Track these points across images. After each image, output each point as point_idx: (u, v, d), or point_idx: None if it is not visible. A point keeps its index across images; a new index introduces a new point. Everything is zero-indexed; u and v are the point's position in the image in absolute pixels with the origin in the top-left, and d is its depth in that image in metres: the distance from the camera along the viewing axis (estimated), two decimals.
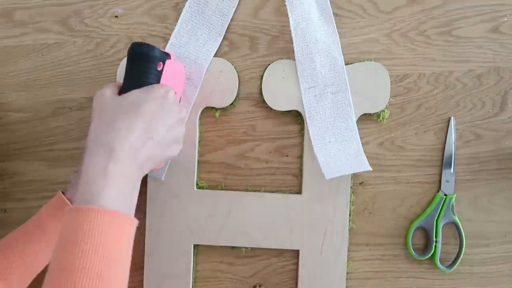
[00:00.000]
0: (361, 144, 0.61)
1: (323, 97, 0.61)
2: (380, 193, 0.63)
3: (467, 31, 0.62)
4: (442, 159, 0.63)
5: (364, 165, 0.60)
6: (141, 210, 0.62)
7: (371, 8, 0.62)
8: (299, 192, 0.63)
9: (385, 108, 0.62)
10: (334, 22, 0.62)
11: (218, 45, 0.62)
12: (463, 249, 0.62)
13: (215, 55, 0.62)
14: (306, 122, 0.61)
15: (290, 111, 0.63)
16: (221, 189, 0.63)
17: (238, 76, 0.62)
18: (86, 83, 0.63)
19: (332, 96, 0.61)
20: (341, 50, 0.62)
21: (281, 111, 0.63)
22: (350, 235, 0.63)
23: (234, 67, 0.62)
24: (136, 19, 0.63)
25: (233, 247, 0.64)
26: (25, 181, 0.64)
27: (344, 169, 0.59)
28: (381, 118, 0.62)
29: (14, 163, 0.64)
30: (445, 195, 0.62)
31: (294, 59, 0.62)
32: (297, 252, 0.63)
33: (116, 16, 0.63)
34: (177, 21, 0.62)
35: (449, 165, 0.62)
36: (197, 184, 0.63)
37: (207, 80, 0.62)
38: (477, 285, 0.63)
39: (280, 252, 0.64)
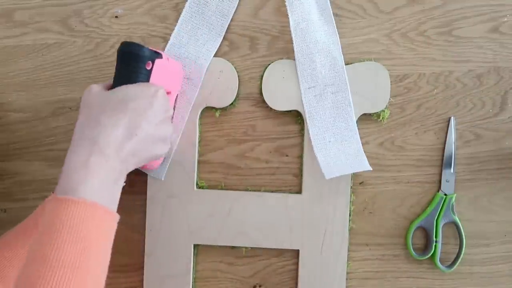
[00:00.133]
0: (361, 144, 0.61)
1: (323, 97, 0.61)
2: (380, 193, 0.63)
3: (467, 31, 0.62)
4: (442, 159, 0.63)
5: (364, 165, 0.60)
6: (141, 210, 0.62)
7: (371, 8, 0.62)
8: (299, 192, 0.63)
9: (385, 108, 0.62)
10: (334, 22, 0.62)
11: (218, 45, 0.62)
12: (463, 249, 0.62)
13: (215, 55, 0.62)
14: (306, 122, 0.61)
15: (290, 111, 0.63)
16: (221, 189, 0.63)
17: (238, 76, 0.62)
18: (86, 83, 0.63)
19: (332, 96, 0.61)
20: (341, 50, 0.62)
21: (281, 111, 0.63)
22: (350, 235, 0.63)
23: (234, 67, 0.62)
24: (136, 19, 0.63)
25: (233, 247, 0.64)
26: (25, 181, 0.64)
27: (344, 169, 0.59)
28: (381, 118, 0.62)
29: (14, 163, 0.64)
30: (445, 195, 0.62)
31: (294, 59, 0.62)
32: (297, 252, 0.63)
33: (116, 16, 0.63)
34: (177, 21, 0.62)
35: (449, 165, 0.62)
36: (197, 184, 0.63)
37: (207, 80, 0.62)
38: (477, 285, 0.63)
39: (280, 252, 0.64)
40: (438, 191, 0.63)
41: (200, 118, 0.63)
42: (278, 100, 0.62)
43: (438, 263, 0.62)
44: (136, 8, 0.63)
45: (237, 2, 0.62)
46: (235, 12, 0.62)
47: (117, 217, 0.48)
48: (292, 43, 0.61)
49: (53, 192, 0.57)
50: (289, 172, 0.63)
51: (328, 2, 0.62)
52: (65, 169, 0.47)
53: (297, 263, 0.63)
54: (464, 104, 0.63)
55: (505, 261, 0.63)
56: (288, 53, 0.63)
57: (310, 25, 0.61)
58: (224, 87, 0.62)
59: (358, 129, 0.61)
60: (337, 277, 0.62)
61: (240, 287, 0.64)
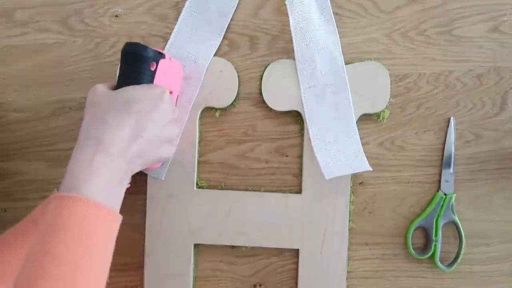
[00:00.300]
0: (361, 144, 0.61)
1: (323, 97, 0.61)
2: (380, 193, 0.63)
3: (467, 30, 0.62)
4: (442, 159, 0.63)
5: (364, 165, 0.60)
6: (141, 210, 0.62)
7: (371, 7, 0.62)
8: (299, 192, 0.63)
9: (385, 108, 0.62)
10: (334, 21, 0.62)
11: (218, 45, 0.62)
12: (463, 248, 0.62)
13: (215, 55, 0.62)
14: (306, 122, 0.61)
15: (290, 111, 0.62)
16: (221, 189, 0.63)
17: (238, 76, 0.62)
18: (86, 83, 0.63)
19: (332, 96, 0.61)
20: (341, 49, 0.62)
21: (281, 111, 0.63)
22: (350, 235, 0.63)
23: (234, 67, 0.62)
24: (136, 18, 0.63)
25: (233, 247, 0.64)
26: (25, 181, 0.64)
27: (344, 169, 0.60)
28: (381, 118, 0.62)
29: (14, 163, 0.64)
30: (445, 194, 0.62)
31: (294, 59, 0.62)
32: (297, 252, 0.63)
33: (116, 16, 0.63)
34: (177, 21, 0.62)
35: (448, 165, 0.62)
36: (197, 184, 0.63)
37: (207, 80, 0.62)
38: (477, 285, 0.63)
39: (280, 252, 0.64)
40: (438, 191, 0.63)
41: (200, 118, 0.63)
42: (278, 100, 0.62)
43: (438, 263, 0.62)
44: (136, 7, 0.63)
45: (237, 2, 0.62)
46: (235, 12, 0.62)
47: (120, 218, 0.48)
48: (292, 42, 0.61)
49: (56, 190, 0.58)
50: (289, 172, 0.63)
51: (328, 1, 0.62)
52: (69, 168, 0.47)
53: (297, 263, 0.63)
54: (464, 104, 0.63)
55: (505, 261, 0.63)
56: (288, 53, 0.63)
57: (310, 24, 0.61)
58: (224, 87, 0.62)
59: (358, 129, 0.61)
60: (337, 277, 0.62)
61: (240, 286, 0.64)
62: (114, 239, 0.47)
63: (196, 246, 0.63)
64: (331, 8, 0.62)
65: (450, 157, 0.62)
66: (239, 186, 0.63)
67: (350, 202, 0.62)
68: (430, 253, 0.62)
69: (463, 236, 0.62)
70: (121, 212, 0.49)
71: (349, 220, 0.62)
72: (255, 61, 0.63)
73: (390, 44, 0.62)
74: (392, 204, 0.63)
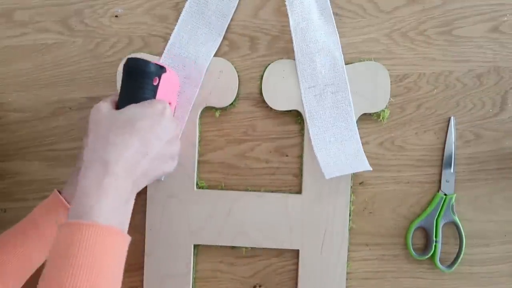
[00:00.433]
0: (361, 144, 0.61)
1: (323, 96, 0.61)
2: (380, 193, 0.63)
3: (467, 30, 0.62)
4: (442, 159, 0.63)
5: (364, 165, 0.60)
6: (141, 210, 0.62)
7: (371, 7, 0.62)
8: (299, 192, 0.63)
9: (385, 108, 0.62)
10: (334, 21, 0.62)
11: (218, 45, 0.62)
12: (463, 249, 0.62)
13: (215, 55, 0.62)
14: (306, 122, 0.61)
15: (290, 111, 0.63)
16: (221, 189, 0.63)
17: (238, 76, 0.62)
18: (86, 83, 0.63)
19: (332, 95, 0.61)
20: (341, 49, 0.62)
21: (281, 111, 0.63)
22: (350, 235, 0.63)
23: (234, 67, 0.62)
24: (136, 19, 0.63)
25: (233, 247, 0.64)
26: (25, 181, 0.64)
27: (344, 169, 0.59)
28: (381, 118, 0.62)
29: (14, 163, 0.64)
30: (445, 195, 0.62)
31: (294, 59, 0.62)
32: (297, 252, 0.63)
33: (116, 16, 0.63)
34: (177, 21, 0.62)
35: (449, 165, 0.62)
36: (197, 184, 0.63)
37: (207, 80, 0.62)
38: (477, 285, 0.63)
39: (280, 252, 0.64)
40: (438, 191, 0.63)
41: (200, 118, 0.63)
42: (278, 100, 0.62)
43: (438, 263, 0.62)
44: (136, 7, 0.63)
45: (237, 2, 0.62)
46: (235, 12, 0.62)
47: (128, 238, 0.48)
48: (292, 42, 0.61)
49: (57, 190, 0.58)
50: (289, 172, 0.63)
51: (328, 1, 0.62)
52: (78, 193, 0.47)
53: (297, 263, 0.63)
54: (464, 104, 0.63)
55: (505, 261, 0.63)
56: (288, 53, 0.63)
57: (310, 24, 0.61)
58: (224, 87, 0.62)
59: (358, 129, 0.61)
60: (337, 277, 0.62)
61: (240, 287, 0.64)
62: (124, 260, 0.47)
63: (196, 246, 0.63)
64: (331, 8, 0.62)
65: (450, 157, 0.62)
66: (239, 186, 0.63)
67: (350, 202, 0.62)
68: (430, 253, 0.62)
69: (463, 236, 0.62)
70: None
71: (349, 220, 0.62)
72: (255, 61, 0.63)
73: (390, 44, 0.62)
74: (392, 204, 0.63)
